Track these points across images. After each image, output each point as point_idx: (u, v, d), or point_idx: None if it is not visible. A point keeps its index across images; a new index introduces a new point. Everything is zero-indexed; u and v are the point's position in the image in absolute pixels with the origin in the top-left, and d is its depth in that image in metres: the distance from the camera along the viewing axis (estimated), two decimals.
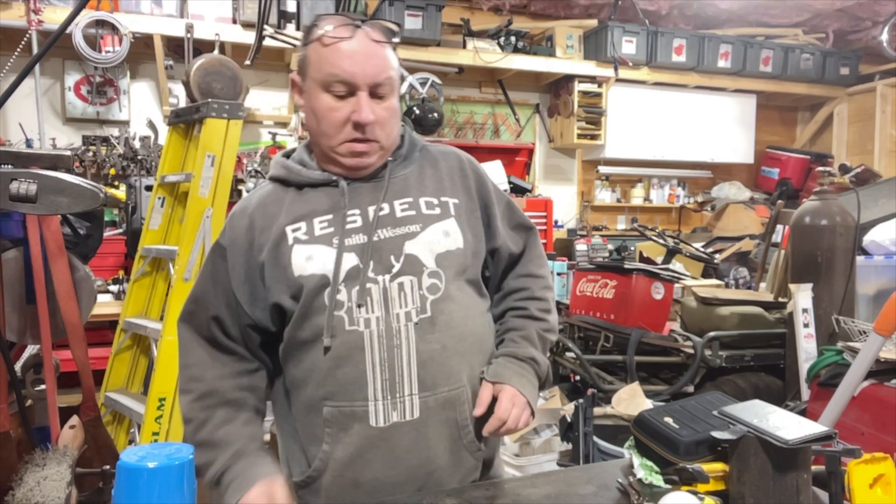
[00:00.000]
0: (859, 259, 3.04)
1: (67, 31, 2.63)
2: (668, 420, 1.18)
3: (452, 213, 1.23)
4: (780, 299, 3.50)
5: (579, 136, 5.50)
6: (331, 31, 1.13)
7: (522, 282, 1.34)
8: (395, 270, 1.15)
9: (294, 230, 1.17)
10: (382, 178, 1.22)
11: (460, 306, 1.19)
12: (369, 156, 1.19)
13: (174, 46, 4.51)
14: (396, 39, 1.19)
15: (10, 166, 1.47)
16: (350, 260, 1.15)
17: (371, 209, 1.19)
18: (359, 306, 1.13)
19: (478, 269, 1.27)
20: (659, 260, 4.17)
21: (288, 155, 1.29)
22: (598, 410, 2.69)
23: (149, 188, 3.38)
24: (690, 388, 3.21)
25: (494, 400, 1.19)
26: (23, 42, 3.92)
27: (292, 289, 1.15)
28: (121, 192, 3.95)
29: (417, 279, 1.16)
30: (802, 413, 2.46)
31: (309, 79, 1.18)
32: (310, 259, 1.15)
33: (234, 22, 4.46)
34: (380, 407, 1.13)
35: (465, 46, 5.04)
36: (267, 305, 1.18)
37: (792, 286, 3.02)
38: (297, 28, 4.52)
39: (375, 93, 1.15)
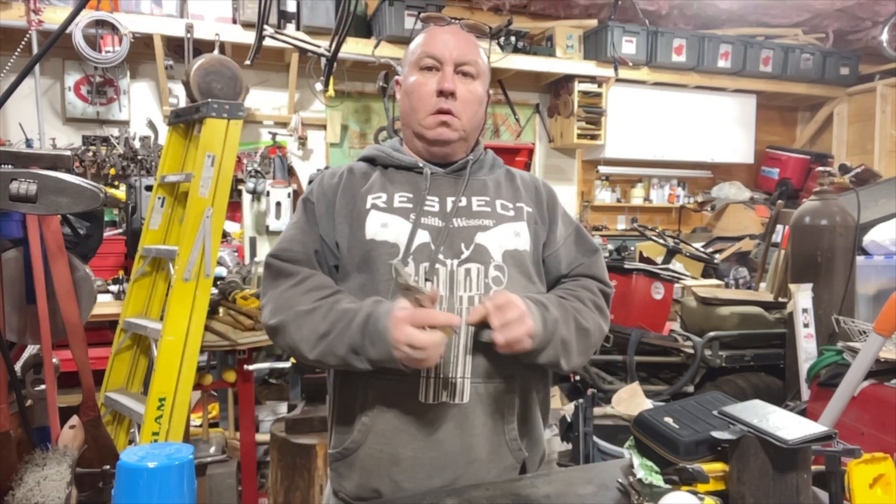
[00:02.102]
0: (859, 259, 3.05)
1: (67, 31, 2.63)
2: (668, 420, 1.18)
3: (525, 218, 1.28)
4: (780, 299, 3.50)
5: (579, 136, 5.50)
6: (431, 24, 1.32)
7: (574, 280, 1.33)
8: (463, 257, 1.19)
9: (374, 198, 1.25)
10: (463, 175, 1.29)
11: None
12: (452, 129, 1.25)
13: (174, 46, 4.51)
14: (484, 42, 1.33)
15: (10, 166, 1.46)
16: (422, 237, 1.20)
17: (450, 199, 1.25)
18: (427, 281, 1.16)
19: (539, 276, 1.30)
20: (659, 260, 4.17)
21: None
22: (598, 410, 2.70)
23: (149, 188, 3.38)
24: (690, 388, 3.21)
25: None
26: (23, 42, 3.92)
27: (361, 251, 1.20)
28: (121, 192, 3.94)
29: (485, 268, 1.19)
30: (802, 413, 2.46)
31: (407, 67, 1.30)
32: (384, 226, 1.21)
33: (234, 22, 4.45)
34: (430, 384, 1.14)
35: None
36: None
37: (792, 286, 3.02)
38: (297, 28, 4.51)
39: (460, 71, 1.25)
